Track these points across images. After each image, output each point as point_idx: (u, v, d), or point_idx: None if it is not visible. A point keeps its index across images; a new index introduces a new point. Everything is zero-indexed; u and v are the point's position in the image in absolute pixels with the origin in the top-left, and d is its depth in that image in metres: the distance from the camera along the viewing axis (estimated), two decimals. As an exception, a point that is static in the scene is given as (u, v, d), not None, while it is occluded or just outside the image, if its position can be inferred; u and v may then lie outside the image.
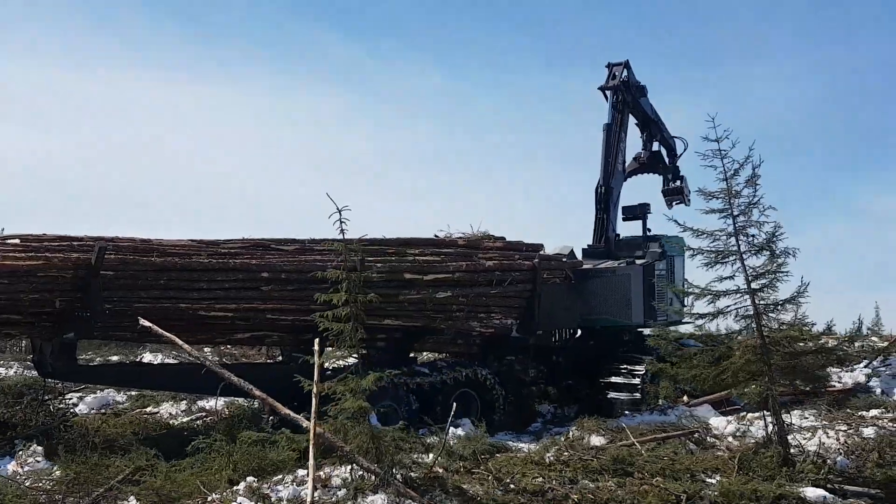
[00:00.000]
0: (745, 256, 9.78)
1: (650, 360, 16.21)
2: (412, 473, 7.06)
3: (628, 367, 16.56)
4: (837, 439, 10.87)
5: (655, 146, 20.31)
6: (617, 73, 19.10)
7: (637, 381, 16.33)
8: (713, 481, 8.76)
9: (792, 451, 10.08)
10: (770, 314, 9.65)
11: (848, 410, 14.29)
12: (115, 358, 23.38)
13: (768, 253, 9.74)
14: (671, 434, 10.68)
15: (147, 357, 23.48)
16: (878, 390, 16.58)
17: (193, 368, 16.88)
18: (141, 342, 19.38)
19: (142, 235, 12.30)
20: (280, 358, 16.02)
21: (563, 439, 12.68)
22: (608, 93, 19.08)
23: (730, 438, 12.35)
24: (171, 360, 21.34)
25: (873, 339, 26.15)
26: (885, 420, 13.11)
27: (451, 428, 12.40)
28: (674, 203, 20.85)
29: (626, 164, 20.11)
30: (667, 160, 20.47)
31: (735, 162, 9.78)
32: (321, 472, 7.07)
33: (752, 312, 9.59)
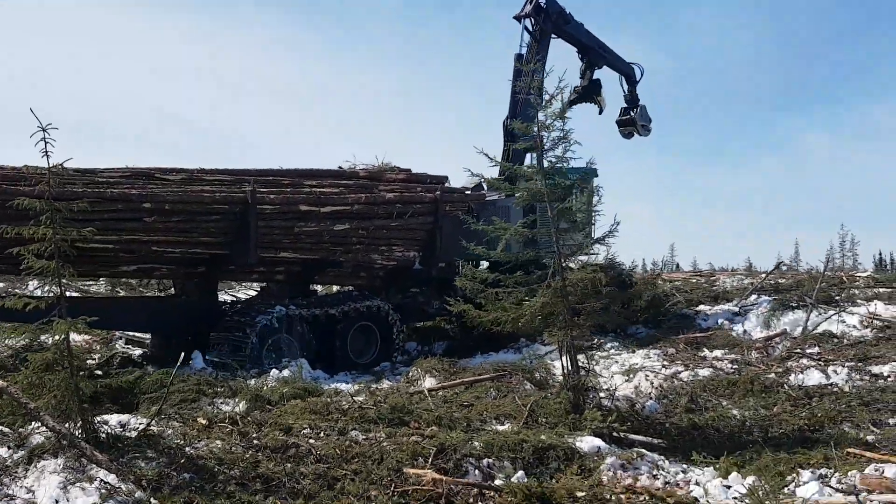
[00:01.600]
0: (552, 195, 9.15)
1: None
2: (128, 432, 6.38)
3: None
4: (651, 383, 10.50)
5: (598, 74, 19.72)
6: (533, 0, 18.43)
7: None
8: (496, 429, 8.27)
9: (601, 395, 9.67)
10: (575, 255, 9.12)
11: (705, 350, 14.07)
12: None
13: (577, 192, 9.15)
14: (479, 378, 10.16)
15: (33, 285, 22.38)
16: (740, 329, 16.37)
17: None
18: (19, 274, 18.60)
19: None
20: (172, 291, 15.64)
21: (402, 380, 12.24)
22: (525, 21, 18.43)
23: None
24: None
25: (762, 274, 26.07)
26: (726, 361, 12.84)
27: (275, 370, 11.87)
28: (628, 133, 20.51)
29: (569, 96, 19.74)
30: (624, 88, 20.17)
31: (546, 93, 9.08)
32: (23, 430, 6.36)
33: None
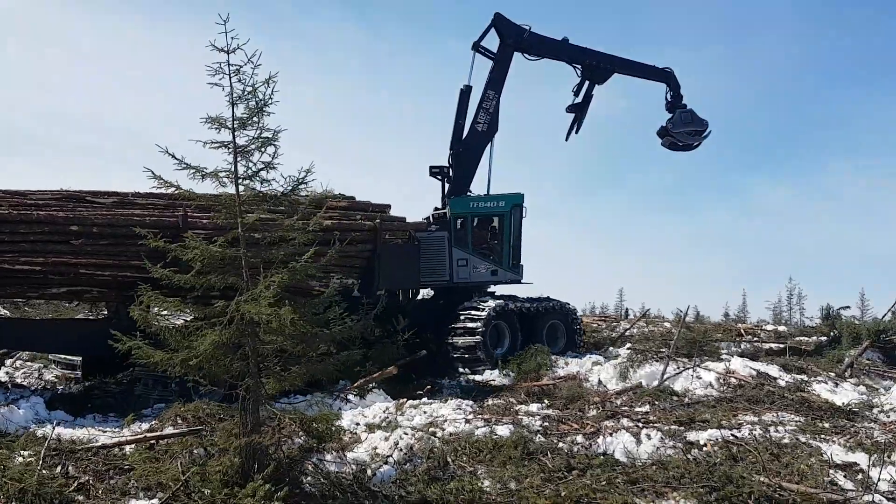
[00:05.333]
0: (245, 210, 7.14)
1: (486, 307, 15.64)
2: None
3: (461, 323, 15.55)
4: (396, 443, 8.37)
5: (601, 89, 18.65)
6: (488, 30, 17.36)
7: (478, 323, 15.29)
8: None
9: (326, 459, 7.60)
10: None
11: (526, 405, 12.00)
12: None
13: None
14: (163, 434, 7.89)
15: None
16: (596, 379, 14.34)
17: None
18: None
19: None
20: (105, 314, 14.55)
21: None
22: (480, 49, 17.36)
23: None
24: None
25: (666, 323, 24.09)
26: (537, 418, 10.74)
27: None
28: (669, 145, 19.05)
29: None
30: (668, 97, 18.74)
31: (242, 83, 7.03)
32: None
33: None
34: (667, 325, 22.97)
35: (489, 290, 17.40)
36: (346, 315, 7.49)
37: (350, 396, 11.85)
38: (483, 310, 15.46)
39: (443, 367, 15.24)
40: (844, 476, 7.20)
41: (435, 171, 17.59)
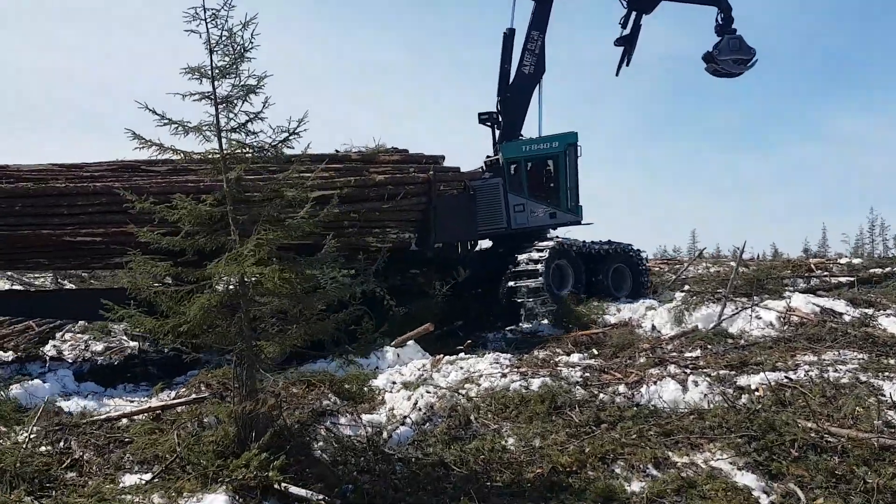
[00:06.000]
0: (228, 164, 6.66)
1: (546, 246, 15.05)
2: None
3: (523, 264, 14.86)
4: (416, 402, 7.88)
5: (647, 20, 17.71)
6: None
7: (540, 264, 14.60)
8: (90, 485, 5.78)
9: (341, 422, 7.19)
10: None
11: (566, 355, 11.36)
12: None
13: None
14: (169, 404, 7.52)
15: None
16: (649, 325, 13.60)
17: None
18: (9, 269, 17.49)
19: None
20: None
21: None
22: None
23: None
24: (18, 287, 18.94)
25: (731, 263, 22.90)
26: (578, 368, 10.09)
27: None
28: (713, 71, 18.04)
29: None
30: (718, 19, 17.62)
31: (221, 29, 6.49)
32: None
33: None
34: (732, 264, 21.81)
35: (549, 234, 16.78)
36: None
37: (388, 355, 11.41)
38: (544, 248, 14.95)
39: (490, 320, 14.71)
40: (905, 417, 6.39)
41: (484, 118, 17.04)
